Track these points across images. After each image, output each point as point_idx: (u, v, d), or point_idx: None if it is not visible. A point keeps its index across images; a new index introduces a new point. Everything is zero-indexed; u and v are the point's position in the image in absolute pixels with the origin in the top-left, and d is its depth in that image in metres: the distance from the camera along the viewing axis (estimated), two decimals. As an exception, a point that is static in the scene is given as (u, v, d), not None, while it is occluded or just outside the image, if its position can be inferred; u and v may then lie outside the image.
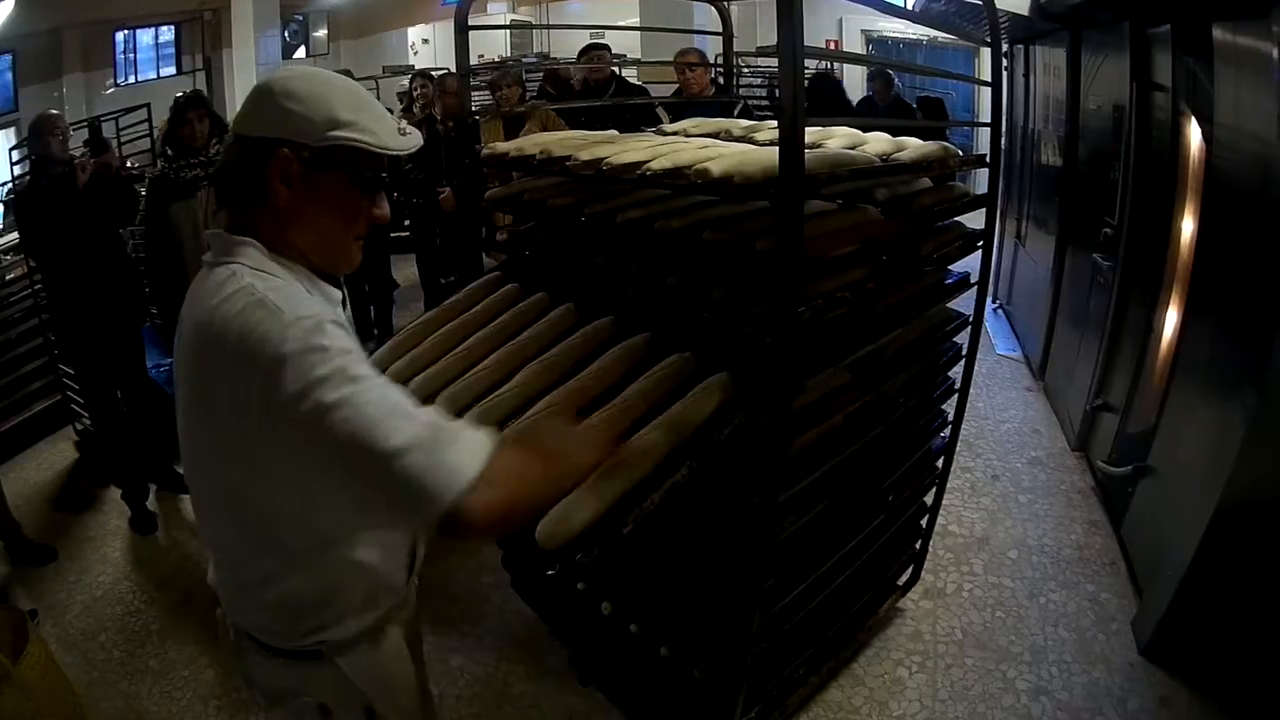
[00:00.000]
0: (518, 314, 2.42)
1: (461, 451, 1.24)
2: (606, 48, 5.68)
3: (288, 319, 1.22)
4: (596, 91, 5.31)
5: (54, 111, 4.16)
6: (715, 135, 2.64)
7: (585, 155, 2.18)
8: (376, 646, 1.60)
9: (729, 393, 1.96)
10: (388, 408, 1.22)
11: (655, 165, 2.01)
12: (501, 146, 2.56)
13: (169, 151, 4.23)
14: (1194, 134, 3.19)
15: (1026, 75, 6.32)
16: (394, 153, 1.40)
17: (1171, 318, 3.33)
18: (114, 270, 4.10)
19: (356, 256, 1.49)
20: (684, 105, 4.37)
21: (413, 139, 1.45)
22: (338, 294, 1.50)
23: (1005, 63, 6.22)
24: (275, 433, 1.23)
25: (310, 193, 1.35)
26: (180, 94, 4.29)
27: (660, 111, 4.31)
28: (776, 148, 1.68)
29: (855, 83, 12.54)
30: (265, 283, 1.29)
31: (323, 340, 1.22)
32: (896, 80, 7.71)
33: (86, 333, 4.05)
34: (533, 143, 2.47)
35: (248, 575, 1.47)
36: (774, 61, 1.54)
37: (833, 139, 2.41)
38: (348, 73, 7.95)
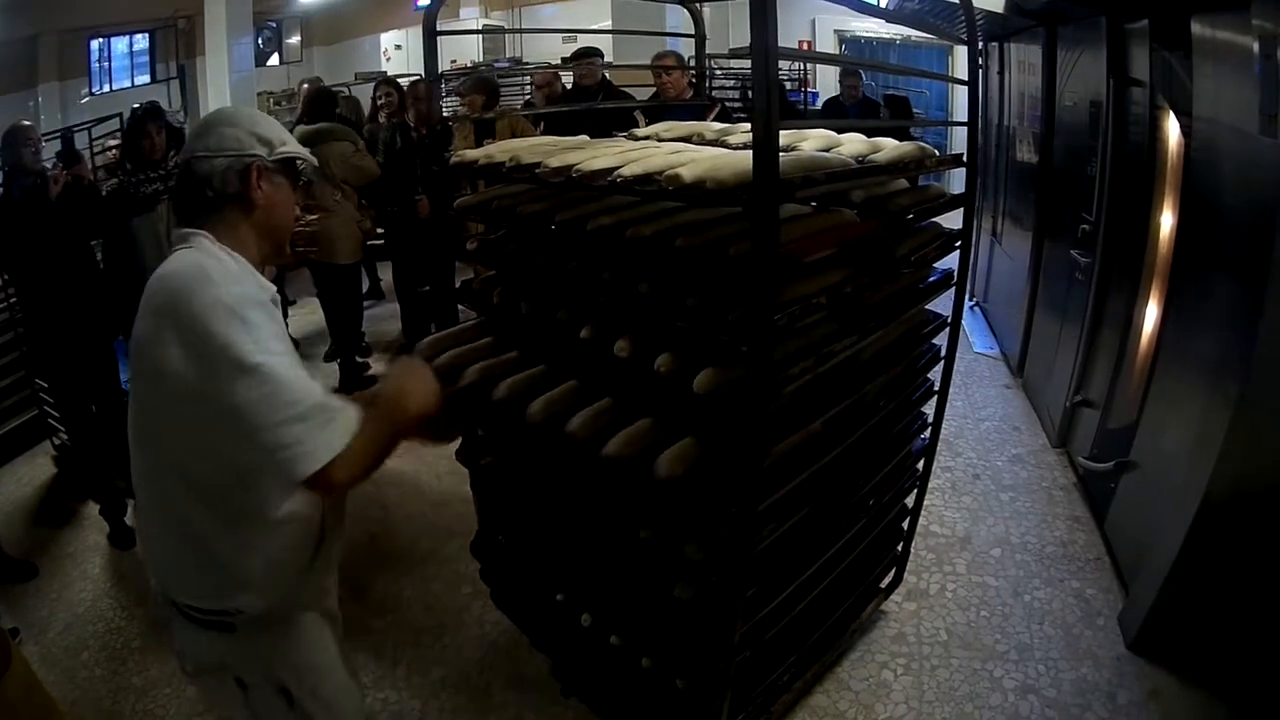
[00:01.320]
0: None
1: (333, 433, 1.54)
2: (599, 53, 5.66)
3: (219, 286, 1.52)
4: (587, 95, 5.29)
5: (26, 122, 4.11)
6: (688, 139, 2.61)
7: (555, 162, 2.15)
8: (291, 630, 1.82)
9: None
10: (284, 381, 1.50)
11: (626, 171, 1.98)
12: (470, 154, 2.53)
13: (128, 165, 4.19)
14: (1172, 128, 3.19)
15: (1001, 72, 6.33)
16: (312, 164, 1.89)
17: (1151, 312, 3.34)
18: (86, 283, 4.04)
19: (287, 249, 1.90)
20: (661, 109, 4.36)
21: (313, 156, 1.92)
22: (272, 288, 1.78)
23: (980, 60, 6.24)
24: (188, 372, 1.48)
25: (270, 194, 1.75)
26: (137, 106, 4.25)
27: (637, 115, 4.30)
28: (749, 151, 1.66)
29: (828, 83, 12.59)
30: (210, 260, 1.61)
31: (248, 312, 1.52)
32: (864, 78, 7.78)
33: (60, 346, 4.00)
34: (502, 150, 2.44)
35: (165, 524, 1.68)
36: (748, 63, 1.53)
37: (807, 141, 2.40)
38: (318, 79, 7.89)
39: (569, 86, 5.88)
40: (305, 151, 1.84)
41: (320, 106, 5.57)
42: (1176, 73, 3.10)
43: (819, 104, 11.54)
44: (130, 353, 1.62)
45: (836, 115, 7.81)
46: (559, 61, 6.42)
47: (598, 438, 2.07)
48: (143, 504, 1.74)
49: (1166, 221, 3.27)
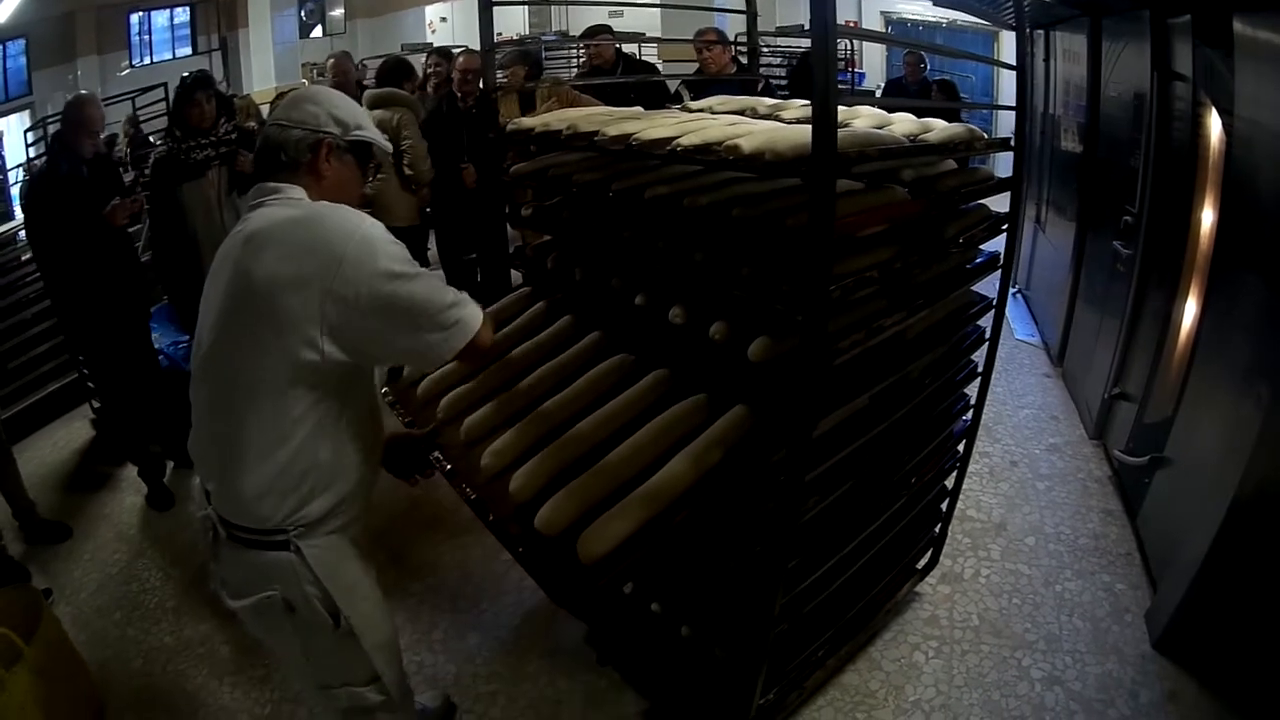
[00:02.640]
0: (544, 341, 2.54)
1: (474, 309, 1.85)
2: (608, 29, 5.62)
3: (368, 221, 1.75)
4: (604, 72, 5.27)
5: (91, 98, 4.06)
6: (741, 113, 2.62)
7: (613, 131, 2.18)
8: (337, 550, 1.93)
9: (748, 425, 2.07)
10: (437, 283, 1.79)
11: (685, 141, 2.00)
12: (527, 122, 2.56)
13: (177, 133, 4.19)
14: (1214, 125, 3.16)
15: (1047, 60, 6.27)
16: (386, 149, 2.07)
17: (1190, 308, 3.31)
18: (121, 257, 4.08)
19: None
20: (705, 84, 4.35)
21: (387, 142, 2.09)
22: None
23: (1027, 47, 6.20)
24: (358, 287, 1.66)
25: (338, 170, 1.90)
26: (186, 74, 4.24)
27: (682, 90, 4.30)
28: (806, 125, 1.67)
29: (874, 64, 12.53)
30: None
31: (393, 238, 1.76)
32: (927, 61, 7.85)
33: (95, 317, 4.02)
34: (559, 118, 2.46)
35: (240, 445, 1.77)
36: (794, 41, 1.54)
37: (858, 119, 2.40)
38: (345, 53, 7.92)
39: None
40: (380, 139, 1.99)
41: (391, 76, 5.60)
42: (1219, 70, 3.05)
43: (864, 84, 11.57)
44: (228, 287, 1.73)
45: (899, 94, 7.88)
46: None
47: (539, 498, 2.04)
48: (216, 434, 1.83)
49: (1207, 218, 3.23)
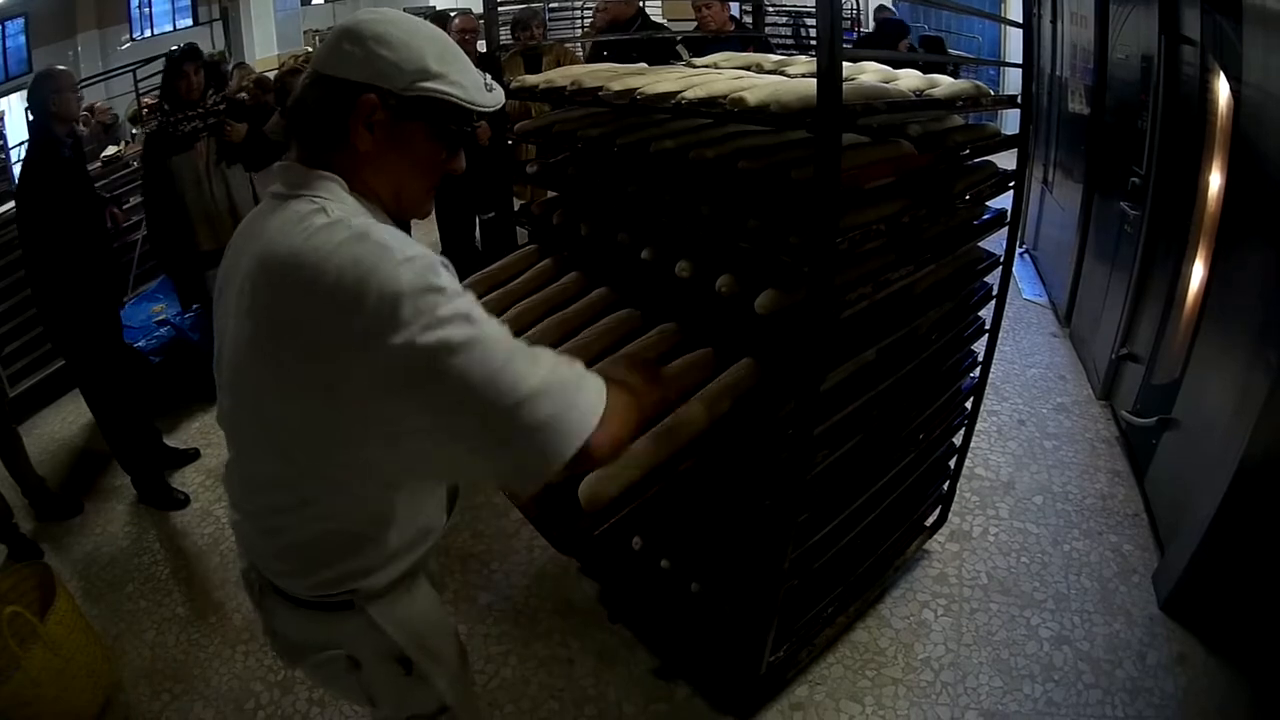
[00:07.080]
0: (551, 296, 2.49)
1: (587, 393, 1.24)
2: None
3: (398, 256, 1.15)
4: (622, 28, 5.26)
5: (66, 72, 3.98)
6: (746, 69, 2.61)
7: (618, 85, 2.17)
8: (408, 593, 1.59)
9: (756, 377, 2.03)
10: (511, 351, 1.17)
11: (690, 94, 1.99)
12: (531, 79, 2.55)
13: (166, 106, 4.22)
14: (1222, 89, 3.13)
15: (1054, 21, 6.22)
16: (480, 109, 1.36)
17: (1198, 270, 3.29)
18: (101, 248, 3.97)
19: (429, 206, 1.47)
20: (706, 41, 4.34)
21: (497, 94, 1.41)
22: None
23: (1035, 9, 6.16)
24: (374, 369, 1.14)
25: (391, 141, 1.32)
26: (174, 48, 4.28)
27: (680, 49, 4.28)
28: (811, 79, 1.67)
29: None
30: (359, 218, 1.24)
31: (437, 280, 1.16)
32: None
33: (74, 309, 3.80)
34: (563, 74, 2.46)
35: (286, 519, 1.41)
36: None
37: (864, 73, 2.39)
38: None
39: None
40: (478, 91, 1.36)
41: None
42: (1227, 35, 3.03)
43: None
44: (237, 318, 1.29)
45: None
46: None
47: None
48: (243, 479, 1.47)
49: (1215, 182, 3.21)
